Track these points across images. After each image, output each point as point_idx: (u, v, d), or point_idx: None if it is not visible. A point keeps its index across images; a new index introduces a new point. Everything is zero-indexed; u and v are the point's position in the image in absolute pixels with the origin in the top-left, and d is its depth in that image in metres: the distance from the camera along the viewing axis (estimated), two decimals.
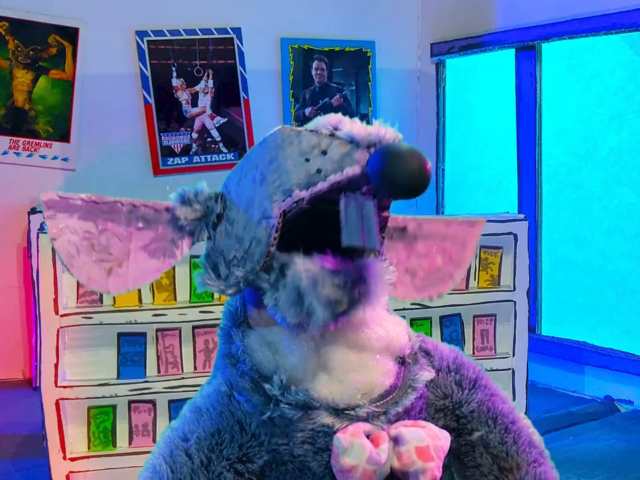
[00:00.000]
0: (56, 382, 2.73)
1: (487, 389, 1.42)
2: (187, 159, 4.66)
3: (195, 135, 4.68)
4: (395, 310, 3.37)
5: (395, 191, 1.15)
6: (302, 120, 4.94)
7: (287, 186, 1.19)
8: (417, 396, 1.33)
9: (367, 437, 1.25)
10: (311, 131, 1.21)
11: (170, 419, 2.90)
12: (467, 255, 1.59)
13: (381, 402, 1.29)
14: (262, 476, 1.30)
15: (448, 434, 1.31)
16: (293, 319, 1.21)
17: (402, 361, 1.34)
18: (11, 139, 4.37)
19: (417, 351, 1.39)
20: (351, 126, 1.19)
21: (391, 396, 1.30)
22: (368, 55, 5.09)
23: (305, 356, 1.27)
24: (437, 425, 1.33)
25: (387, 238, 1.40)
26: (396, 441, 1.26)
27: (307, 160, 1.18)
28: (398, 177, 1.11)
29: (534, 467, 1.38)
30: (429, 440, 1.26)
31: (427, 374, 1.36)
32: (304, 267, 1.18)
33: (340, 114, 1.29)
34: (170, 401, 2.89)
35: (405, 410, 1.31)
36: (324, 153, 1.18)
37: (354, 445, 1.23)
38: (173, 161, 4.63)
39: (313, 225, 1.27)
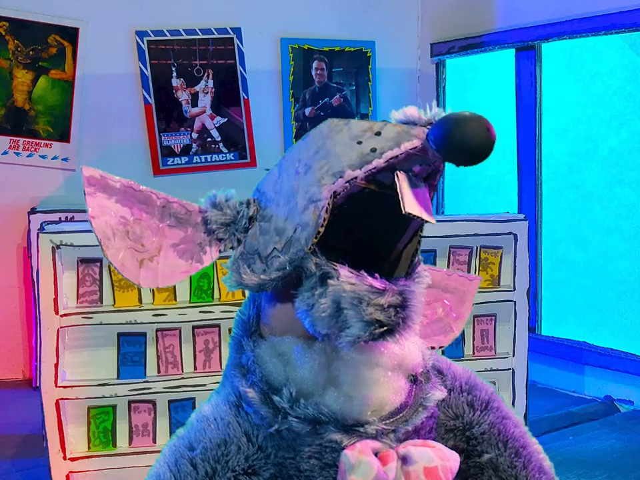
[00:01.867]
0: (56, 382, 2.73)
1: (499, 412, 1.41)
2: (186, 158, 4.66)
3: (195, 135, 4.68)
4: None
5: (462, 157, 1.11)
6: (302, 120, 4.95)
7: (337, 168, 1.16)
8: (428, 415, 1.32)
9: (375, 454, 1.24)
10: (360, 118, 1.20)
11: (170, 419, 2.90)
12: (464, 310, 1.61)
13: (391, 420, 1.27)
14: None
15: (457, 455, 1.29)
16: (324, 329, 1.18)
17: (414, 379, 1.32)
18: (11, 139, 4.37)
19: (430, 370, 1.37)
20: (404, 110, 1.17)
21: (401, 414, 1.28)
22: (368, 54, 5.09)
23: (315, 369, 1.25)
24: (446, 446, 1.31)
25: None
26: (404, 460, 1.24)
27: (359, 142, 1.16)
28: (465, 142, 1.08)
29: None
30: (437, 461, 1.24)
31: (438, 393, 1.34)
32: (349, 280, 1.15)
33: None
34: (170, 401, 2.89)
35: (415, 429, 1.29)
36: (377, 134, 1.16)
37: (361, 462, 1.21)
38: (172, 161, 4.63)
39: (359, 218, 1.25)
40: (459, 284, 1.59)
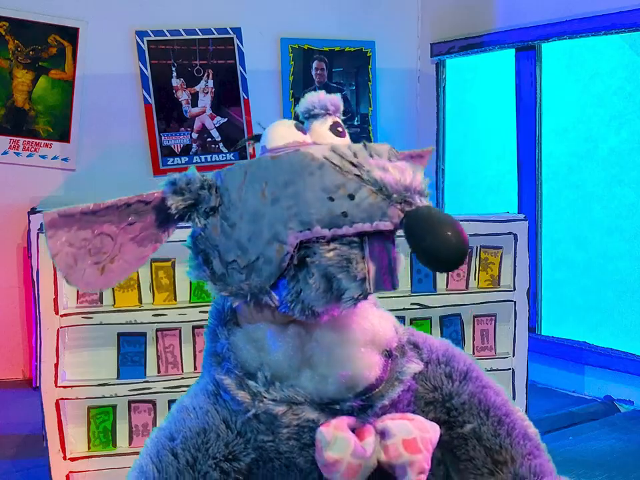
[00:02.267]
0: (56, 382, 2.73)
1: (479, 381, 1.41)
2: (186, 158, 4.65)
3: (195, 135, 4.68)
4: (395, 310, 3.35)
5: (434, 266, 1.16)
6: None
7: (305, 218, 1.17)
8: (404, 388, 1.33)
9: (353, 430, 1.25)
10: (333, 164, 1.18)
11: None
12: None
13: (367, 395, 1.28)
14: (249, 474, 1.31)
15: (437, 426, 1.30)
16: (322, 306, 1.19)
17: (389, 354, 1.33)
18: (11, 139, 4.37)
19: (405, 344, 1.38)
20: (381, 172, 1.17)
21: (377, 389, 1.29)
22: (368, 54, 5.09)
23: (289, 352, 1.27)
24: (427, 418, 1.32)
25: None
26: (382, 434, 1.26)
27: (331, 199, 1.16)
28: (439, 253, 1.11)
29: (529, 459, 1.37)
30: (416, 432, 1.25)
31: (414, 366, 1.36)
32: (329, 248, 1.16)
33: (323, 92, 1.33)
34: (170, 401, 2.89)
35: (392, 403, 1.30)
36: (351, 197, 1.16)
37: (337, 438, 1.22)
38: (172, 161, 4.63)
39: None
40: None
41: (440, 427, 1.32)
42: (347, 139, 1.36)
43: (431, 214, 1.15)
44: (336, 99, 1.37)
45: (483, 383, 1.42)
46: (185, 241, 1.35)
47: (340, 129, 1.35)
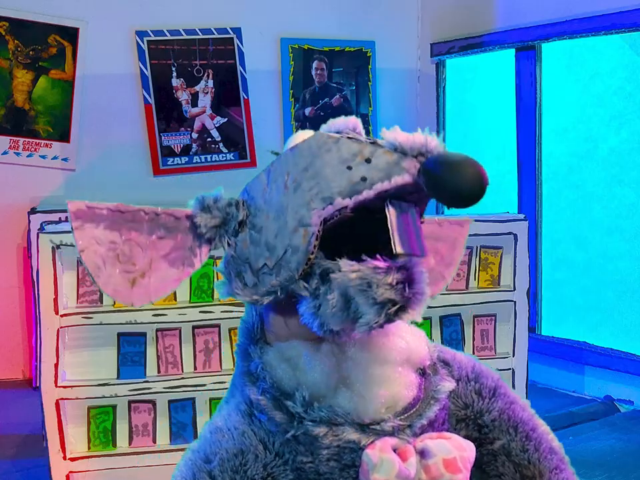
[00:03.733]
0: (56, 382, 2.73)
1: (507, 397, 1.42)
2: (186, 158, 4.66)
3: (195, 135, 4.68)
4: None
5: (455, 201, 1.12)
6: (302, 120, 4.95)
7: (327, 193, 1.16)
8: (440, 407, 1.32)
9: (394, 451, 1.23)
10: (349, 138, 1.18)
11: (170, 419, 2.90)
12: (456, 255, 1.60)
13: (406, 415, 1.27)
14: None
15: (472, 444, 1.29)
16: (337, 325, 1.17)
17: (423, 372, 1.33)
18: (11, 139, 4.37)
19: (436, 362, 1.37)
20: (394, 133, 1.17)
21: (415, 408, 1.28)
22: (368, 54, 5.09)
23: (326, 371, 1.25)
24: (459, 436, 1.31)
25: None
26: (422, 454, 1.24)
27: (349, 168, 1.15)
28: (458, 186, 1.09)
29: (556, 473, 1.38)
30: (455, 452, 1.24)
31: (448, 384, 1.35)
32: (352, 268, 1.14)
33: (350, 117, 1.28)
34: (170, 401, 2.89)
35: (429, 422, 1.29)
36: (367, 160, 1.15)
37: (383, 460, 1.21)
38: (172, 161, 4.63)
39: (351, 233, 1.24)
40: (451, 231, 1.59)
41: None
42: None
43: (446, 156, 1.13)
44: (357, 122, 1.33)
45: (510, 399, 1.42)
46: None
47: None
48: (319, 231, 1.16)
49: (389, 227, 1.14)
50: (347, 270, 1.15)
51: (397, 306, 1.14)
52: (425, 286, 1.18)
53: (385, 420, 1.25)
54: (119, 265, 1.24)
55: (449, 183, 1.10)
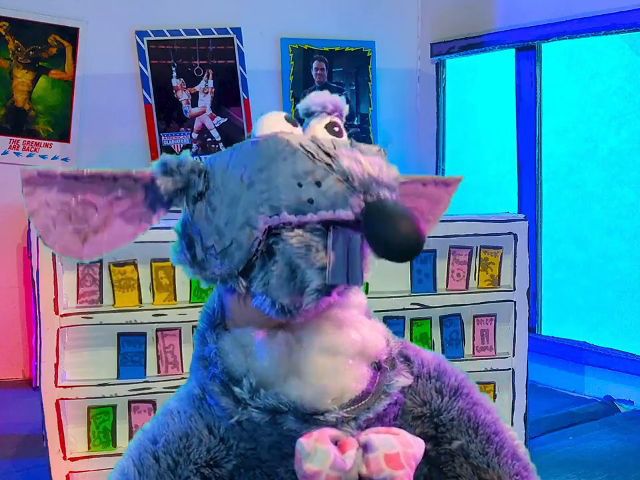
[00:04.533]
0: (56, 382, 2.73)
1: (469, 398, 1.39)
2: None
3: (195, 135, 4.69)
4: (395, 310, 3.34)
5: (389, 256, 1.15)
6: (302, 120, 4.94)
7: (275, 203, 1.17)
8: (391, 402, 1.31)
9: (335, 442, 1.23)
10: (307, 151, 1.18)
11: None
12: (439, 211, 1.62)
13: (352, 407, 1.26)
14: None
15: (422, 442, 1.28)
16: (285, 298, 1.18)
17: (378, 366, 1.32)
18: (11, 139, 4.37)
19: (396, 357, 1.36)
20: (350, 161, 1.17)
21: (363, 402, 1.27)
22: (368, 54, 5.09)
23: (276, 359, 1.26)
24: (414, 433, 1.31)
25: None
26: (365, 447, 1.24)
27: (300, 185, 1.16)
28: (393, 245, 1.12)
29: (516, 479, 1.35)
30: (399, 447, 1.23)
31: (403, 380, 1.34)
32: (292, 234, 1.16)
33: (327, 92, 1.33)
34: None
35: (377, 416, 1.29)
36: (318, 184, 1.16)
37: (317, 450, 1.21)
38: None
39: None
40: (436, 190, 1.59)
41: (427, 443, 1.31)
42: (345, 138, 1.35)
43: (387, 205, 1.15)
44: (337, 99, 1.36)
45: (473, 400, 1.40)
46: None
47: (337, 128, 1.34)
48: (263, 237, 1.18)
49: (324, 256, 1.16)
50: (288, 237, 1.16)
51: None
52: (365, 254, 1.20)
53: (329, 411, 1.25)
54: (69, 224, 1.25)
55: (381, 237, 1.13)
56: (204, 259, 1.26)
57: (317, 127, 1.34)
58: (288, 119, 1.33)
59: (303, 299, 1.18)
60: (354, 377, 1.28)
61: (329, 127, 1.34)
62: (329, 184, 1.16)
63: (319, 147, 1.19)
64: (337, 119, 1.36)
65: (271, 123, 1.30)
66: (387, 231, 1.12)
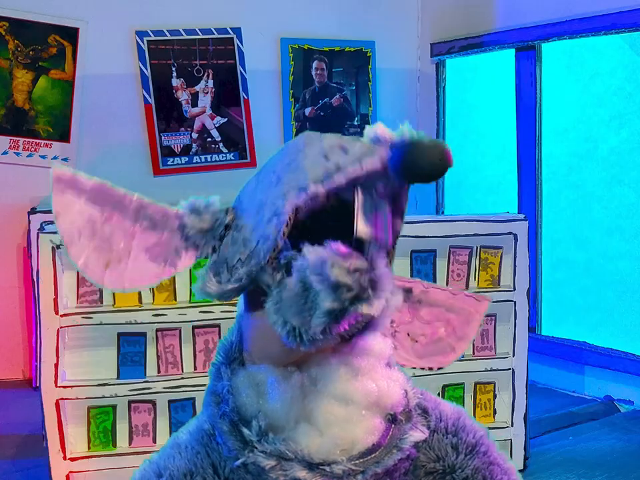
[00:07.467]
0: (56, 382, 2.73)
1: (486, 457, 1.35)
2: (186, 158, 4.66)
3: (195, 135, 4.68)
4: None
5: (414, 173, 1.11)
6: (302, 120, 4.95)
7: (302, 183, 1.13)
8: (403, 457, 1.27)
9: None
10: (334, 133, 1.19)
11: (170, 419, 2.90)
12: (470, 331, 1.52)
13: (360, 460, 1.22)
14: None
15: None
16: (294, 317, 1.11)
17: (393, 419, 1.27)
18: (11, 139, 4.37)
19: (413, 409, 1.31)
20: (376, 127, 1.16)
21: (373, 455, 1.23)
22: (368, 54, 5.09)
23: (288, 402, 1.23)
24: None
25: None
26: None
27: (326, 157, 1.14)
28: (419, 161, 1.09)
29: None
30: None
31: (417, 434, 1.29)
32: (312, 250, 1.12)
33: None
34: (170, 401, 2.89)
35: (387, 471, 1.25)
36: (344, 150, 1.14)
37: None
38: (172, 161, 4.63)
39: (322, 232, 1.21)
40: (466, 304, 1.52)
41: None
42: None
43: (416, 136, 1.13)
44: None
45: (490, 459, 1.35)
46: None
47: None
48: (289, 219, 1.13)
49: (354, 211, 1.13)
50: (308, 252, 1.12)
51: (353, 293, 1.08)
52: (385, 279, 1.13)
53: (336, 462, 1.21)
54: (94, 240, 1.21)
55: (410, 156, 1.09)
56: (229, 278, 1.20)
57: None
58: None
59: (312, 321, 1.11)
60: (366, 428, 1.24)
61: None
62: (355, 147, 1.14)
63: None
64: None
65: None
66: (415, 149, 1.10)
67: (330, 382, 1.23)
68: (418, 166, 1.09)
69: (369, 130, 1.16)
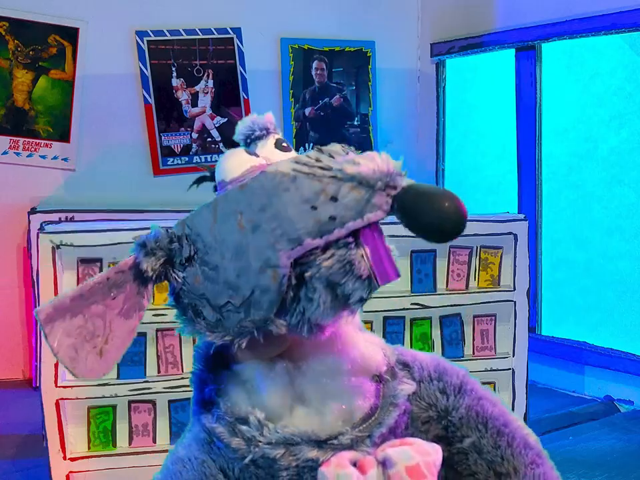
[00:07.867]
0: (56, 382, 2.73)
1: (474, 393, 1.37)
2: (186, 158, 4.66)
3: (195, 135, 4.69)
4: (395, 310, 3.33)
5: (436, 237, 1.12)
6: (302, 120, 4.95)
7: (293, 235, 1.11)
8: (400, 412, 1.29)
9: (355, 464, 1.21)
10: (305, 173, 1.14)
11: (170, 419, 2.90)
12: None
13: (364, 425, 1.24)
14: None
15: (439, 447, 1.26)
16: (330, 318, 1.15)
17: (380, 379, 1.29)
18: (11, 139, 4.37)
19: (395, 365, 1.34)
20: (354, 166, 1.13)
21: (373, 417, 1.26)
22: (368, 54, 5.09)
23: (280, 390, 1.24)
24: (426, 437, 1.29)
25: None
26: (384, 463, 1.21)
27: (314, 207, 1.11)
28: (440, 223, 1.09)
29: (532, 468, 1.33)
30: (418, 457, 1.21)
31: (407, 387, 1.32)
32: (323, 257, 1.12)
33: (254, 115, 1.30)
34: (170, 401, 2.89)
35: (390, 429, 1.27)
36: (333, 199, 1.11)
37: (339, 476, 1.18)
38: (172, 161, 4.63)
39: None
40: None
41: (439, 444, 1.28)
42: (293, 152, 1.31)
43: (421, 189, 1.12)
44: (270, 116, 1.33)
45: (478, 395, 1.37)
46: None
47: (285, 144, 1.31)
48: (290, 272, 1.13)
49: (367, 263, 1.13)
50: (321, 260, 1.12)
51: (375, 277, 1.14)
52: (389, 245, 1.17)
53: (342, 433, 1.22)
54: (87, 344, 1.23)
55: (428, 218, 1.09)
56: (220, 318, 1.20)
57: (268, 148, 1.31)
58: (249, 152, 1.29)
59: (348, 311, 1.16)
60: (359, 394, 1.26)
61: (278, 145, 1.31)
62: (345, 195, 1.11)
63: (309, 165, 1.15)
64: (279, 135, 1.33)
65: (236, 162, 1.26)
66: (435, 214, 1.09)
67: (313, 360, 1.25)
68: (439, 229, 1.10)
69: (347, 167, 1.13)
